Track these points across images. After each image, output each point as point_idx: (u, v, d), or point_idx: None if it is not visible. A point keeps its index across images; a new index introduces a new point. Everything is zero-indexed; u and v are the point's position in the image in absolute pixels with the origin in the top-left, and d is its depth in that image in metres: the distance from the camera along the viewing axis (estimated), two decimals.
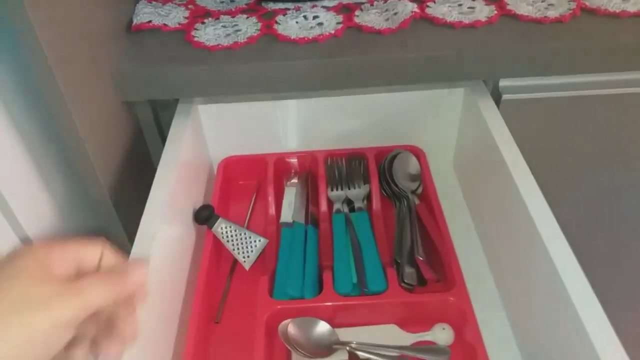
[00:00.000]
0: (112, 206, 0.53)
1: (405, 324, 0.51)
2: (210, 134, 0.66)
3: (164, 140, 0.60)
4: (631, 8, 0.57)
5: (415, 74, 0.55)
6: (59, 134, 0.48)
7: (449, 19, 0.57)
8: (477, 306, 0.49)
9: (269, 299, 0.51)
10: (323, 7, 0.62)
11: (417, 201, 0.61)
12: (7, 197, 0.45)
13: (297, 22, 0.59)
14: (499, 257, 0.55)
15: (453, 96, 0.63)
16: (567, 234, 0.42)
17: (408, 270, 0.54)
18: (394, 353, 0.48)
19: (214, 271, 0.56)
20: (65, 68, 0.45)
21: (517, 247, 0.49)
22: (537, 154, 0.65)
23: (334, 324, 0.50)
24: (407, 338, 0.50)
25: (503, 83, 0.60)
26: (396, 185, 0.63)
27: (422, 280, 0.54)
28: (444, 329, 0.50)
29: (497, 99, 0.61)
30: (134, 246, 0.45)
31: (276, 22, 0.60)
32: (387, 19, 0.58)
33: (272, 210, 0.61)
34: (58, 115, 0.46)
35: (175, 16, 0.62)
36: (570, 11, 0.57)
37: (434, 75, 0.55)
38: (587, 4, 0.59)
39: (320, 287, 0.52)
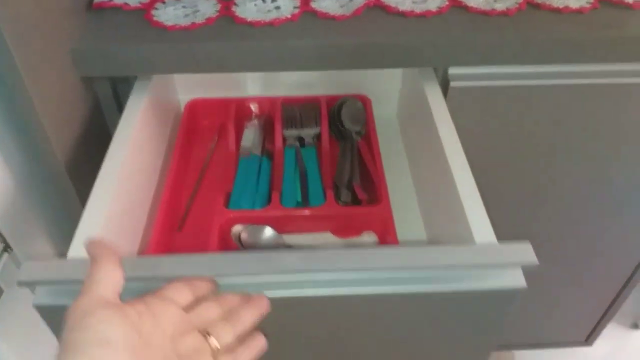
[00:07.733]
0: (69, 179, 0.58)
1: (338, 232, 0.60)
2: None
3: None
4: (573, 4, 0.64)
5: (366, 60, 0.60)
6: (16, 109, 0.52)
7: (401, 8, 0.63)
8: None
9: (224, 208, 0.60)
10: None
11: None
12: None
13: (255, 5, 0.65)
14: (424, 186, 0.65)
15: None
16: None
17: (344, 191, 0.63)
18: None
19: (178, 186, 0.66)
20: (22, 43, 0.48)
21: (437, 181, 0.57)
22: (479, 139, 0.70)
23: (278, 232, 0.59)
24: (339, 242, 0.59)
25: (452, 71, 0.65)
26: (343, 126, 0.72)
27: (356, 201, 0.63)
28: (369, 235, 0.60)
29: (445, 85, 0.66)
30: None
31: (235, 4, 0.65)
32: (343, 6, 0.64)
33: (232, 145, 0.69)
34: (14, 91, 0.49)
35: None
36: (517, 5, 0.64)
37: (385, 61, 0.60)
38: None
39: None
